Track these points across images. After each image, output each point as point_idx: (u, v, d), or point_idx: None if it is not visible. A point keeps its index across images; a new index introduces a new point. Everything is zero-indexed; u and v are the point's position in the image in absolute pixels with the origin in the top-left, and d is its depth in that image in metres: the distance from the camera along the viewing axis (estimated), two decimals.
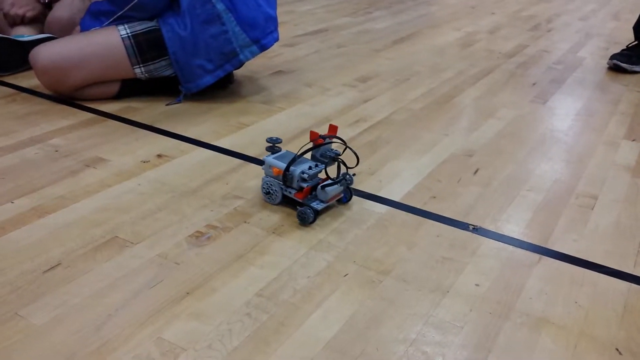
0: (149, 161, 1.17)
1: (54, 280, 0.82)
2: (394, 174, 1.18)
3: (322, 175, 1.04)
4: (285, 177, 0.99)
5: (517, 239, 0.97)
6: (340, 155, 1.02)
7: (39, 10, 1.76)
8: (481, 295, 0.83)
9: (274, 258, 0.89)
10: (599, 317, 0.80)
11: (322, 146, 1.02)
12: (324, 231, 0.97)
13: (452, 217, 1.02)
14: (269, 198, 1.04)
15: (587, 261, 0.92)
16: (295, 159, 0.99)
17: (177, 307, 0.78)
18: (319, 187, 0.99)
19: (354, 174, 1.10)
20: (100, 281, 0.82)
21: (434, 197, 1.09)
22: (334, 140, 1.02)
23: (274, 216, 1.00)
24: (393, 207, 1.05)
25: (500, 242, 0.96)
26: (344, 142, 1.02)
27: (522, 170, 1.22)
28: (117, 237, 0.92)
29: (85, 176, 1.10)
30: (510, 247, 0.94)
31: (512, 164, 1.24)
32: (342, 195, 1.04)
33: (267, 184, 1.03)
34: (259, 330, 0.75)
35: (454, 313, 0.79)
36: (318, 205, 0.99)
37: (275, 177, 1.01)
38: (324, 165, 1.01)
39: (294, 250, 0.92)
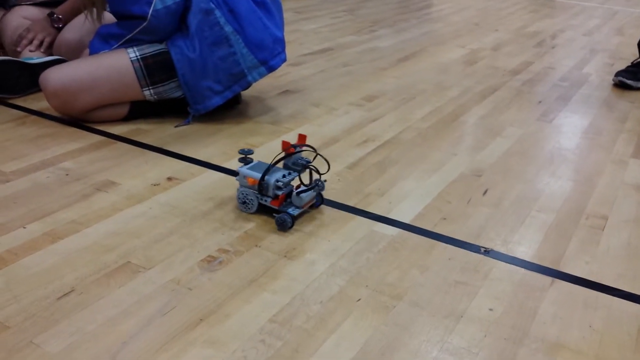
0: (159, 184, 1.18)
1: (67, 307, 0.82)
2: (404, 195, 1.18)
3: (295, 182, 1.08)
4: (261, 186, 1.04)
5: (529, 262, 0.97)
6: (311, 162, 1.07)
7: (54, 36, 1.78)
8: (495, 320, 0.82)
9: (286, 282, 0.89)
10: (614, 341, 0.80)
11: (293, 155, 1.07)
12: (335, 254, 0.97)
13: (463, 240, 1.02)
14: (245, 207, 1.07)
15: (600, 284, 0.92)
16: (269, 169, 1.03)
17: (191, 333, 0.78)
18: (294, 194, 1.04)
19: (325, 180, 1.14)
20: (114, 307, 0.82)
21: (445, 219, 1.09)
22: (305, 149, 1.08)
23: (285, 239, 1.00)
24: (404, 229, 1.05)
25: (512, 265, 0.95)
26: (314, 150, 1.07)
27: (532, 190, 1.22)
28: (129, 262, 0.92)
29: (97, 200, 1.10)
30: (523, 270, 0.94)
31: (521, 184, 1.25)
32: (315, 200, 1.10)
33: (242, 194, 1.06)
34: (274, 357, 0.74)
35: (469, 339, 0.79)
36: (294, 211, 1.04)
37: (251, 187, 1.05)
38: (297, 173, 1.06)
39: (305, 274, 0.92)
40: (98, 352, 0.74)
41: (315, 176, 1.08)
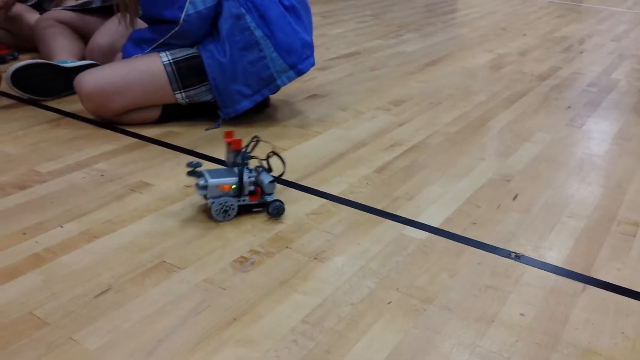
0: (191, 186, 1.20)
1: (105, 305, 0.84)
2: (432, 200, 1.18)
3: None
4: (241, 187, 1.06)
5: (561, 267, 0.96)
6: (252, 156, 1.09)
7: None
8: (527, 325, 0.83)
9: (316, 284, 0.90)
10: None
11: (239, 152, 1.08)
12: (364, 257, 0.98)
13: (493, 244, 1.02)
14: (227, 216, 1.07)
15: (632, 290, 0.92)
16: (242, 171, 1.05)
17: (224, 333, 0.79)
18: (267, 183, 1.07)
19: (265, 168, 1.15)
20: (150, 306, 0.84)
21: (474, 223, 1.09)
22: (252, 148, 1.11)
23: (315, 242, 1.02)
24: (433, 233, 1.06)
25: (543, 271, 0.95)
26: (258, 138, 1.11)
27: (562, 196, 1.21)
28: (164, 261, 0.94)
29: (131, 201, 1.13)
30: (554, 276, 0.94)
31: (550, 189, 1.24)
32: None
33: (222, 203, 1.06)
34: (306, 357, 0.75)
35: (500, 343, 0.79)
36: (273, 197, 1.09)
37: (226, 194, 1.06)
38: (254, 167, 1.09)
39: (336, 276, 0.93)
40: (134, 349, 0.76)
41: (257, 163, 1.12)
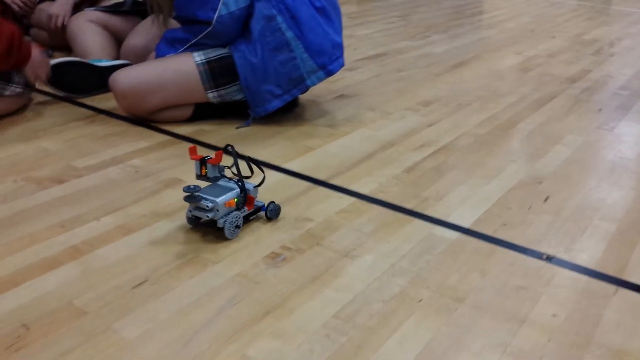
0: None
1: (142, 296, 0.86)
2: (462, 200, 1.19)
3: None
4: (245, 198, 1.04)
5: (592, 270, 0.96)
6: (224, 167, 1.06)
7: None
8: (558, 326, 0.83)
9: (348, 281, 0.92)
10: None
11: (217, 166, 1.04)
12: (394, 255, 0.99)
13: (524, 246, 1.02)
14: (237, 231, 1.03)
15: None
16: (243, 183, 1.03)
17: (258, 325, 0.81)
18: (253, 188, 1.06)
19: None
20: (186, 298, 0.86)
21: (505, 225, 1.09)
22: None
23: (346, 239, 1.03)
24: (463, 233, 1.06)
25: (575, 272, 0.95)
26: (232, 148, 1.06)
27: (593, 199, 1.21)
28: (198, 255, 0.96)
29: (165, 196, 1.15)
30: (586, 278, 0.94)
31: (582, 192, 1.23)
32: None
33: (232, 221, 1.01)
34: (339, 352, 0.77)
35: (532, 343, 0.79)
36: (270, 201, 1.09)
37: (232, 209, 1.01)
38: (234, 179, 1.04)
39: (367, 274, 0.94)
40: (171, 339, 0.78)
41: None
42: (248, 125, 1.55)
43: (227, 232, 1.01)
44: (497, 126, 1.62)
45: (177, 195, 1.16)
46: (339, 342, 0.78)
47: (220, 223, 1.00)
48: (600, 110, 1.78)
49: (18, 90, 1.50)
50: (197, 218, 1.04)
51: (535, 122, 1.65)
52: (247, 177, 1.06)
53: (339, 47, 1.54)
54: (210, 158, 1.03)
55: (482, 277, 0.93)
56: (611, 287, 0.92)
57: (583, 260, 0.99)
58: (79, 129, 1.48)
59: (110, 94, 1.57)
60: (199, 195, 0.99)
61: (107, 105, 1.65)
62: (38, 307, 0.83)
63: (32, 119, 1.54)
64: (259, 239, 1.02)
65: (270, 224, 1.07)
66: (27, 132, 1.45)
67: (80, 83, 1.73)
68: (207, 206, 0.98)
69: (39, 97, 1.70)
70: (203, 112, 1.55)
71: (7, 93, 1.47)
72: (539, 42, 2.74)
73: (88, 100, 1.70)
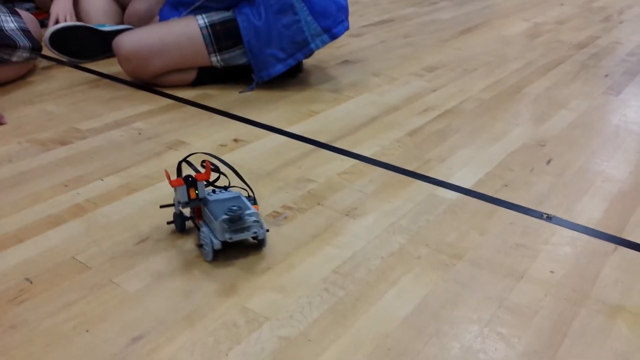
0: (226, 145, 1.22)
1: (144, 252, 0.87)
2: (464, 162, 1.18)
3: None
4: (254, 196, 0.95)
5: (592, 229, 0.96)
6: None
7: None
8: (556, 282, 0.83)
9: (347, 238, 0.92)
10: None
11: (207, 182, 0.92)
12: (395, 214, 0.99)
13: (525, 206, 1.02)
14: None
15: None
16: (250, 193, 0.96)
17: (259, 280, 0.82)
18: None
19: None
20: (188, 252, 0.87)
21: (506, 186, 1.09)
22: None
23: (347, 200, 1.03)
24: (464, 194, 1.06)
25: (575, 231, 0.95)
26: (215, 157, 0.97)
27: (596, 162, 1.20)
28: None
29: (168, 157, 1.16)
30: (585, 236, 0.94)
31: (585, 155, 1.23)
32: None
33: (256, 231, 0.85)
34: (337, 304, 0.78)
35: (529, 298, 0.80)
36: None
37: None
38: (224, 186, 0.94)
39: (367, 232, 0.94)
40: (173, 292, 0.79)
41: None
42: (252, 89, 1.54)
43: (265, 240, 0.88)
44: (503, 91, 1.60)
45: (180, 156, 1.16)
46: (338, 296, 0.79)
47: (261, 234, 0.86)
48: (606, 75, 1.76)
49: (25, 55, 1.50)
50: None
51: (542, 87, 1.64)
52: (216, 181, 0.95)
53: (344, 9, 1.52)
54: (198, 174, 0.86)
55: (481, 236, 0.94)
56: (610, 246, 0.92)
57: (583, 219, 0.99)
58: (83, 92, 1.49)
59: (114, 59, 1.57)
60: (242, 214, 0.82)
61: (111, 70, 1.65)
62: (42, 262, 0.85)
63: (37, 83, 1.54)
64: (261, 199, 1.03)
65: (272, 185, 1.08)
66: (31, 96, 1.46)
67: (84, 48, 1.73)
68: (258, 220, 0.84)
69: (44, 62, 1.70)
70: (206, 77, 1.54)
71: (14, 59, 1.48)
72: (548, 9, 2.70)
73: (92, 65, 1.70)
